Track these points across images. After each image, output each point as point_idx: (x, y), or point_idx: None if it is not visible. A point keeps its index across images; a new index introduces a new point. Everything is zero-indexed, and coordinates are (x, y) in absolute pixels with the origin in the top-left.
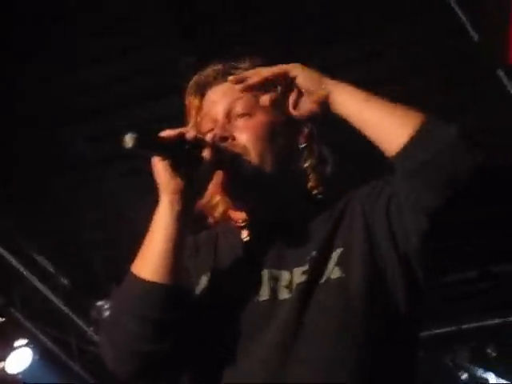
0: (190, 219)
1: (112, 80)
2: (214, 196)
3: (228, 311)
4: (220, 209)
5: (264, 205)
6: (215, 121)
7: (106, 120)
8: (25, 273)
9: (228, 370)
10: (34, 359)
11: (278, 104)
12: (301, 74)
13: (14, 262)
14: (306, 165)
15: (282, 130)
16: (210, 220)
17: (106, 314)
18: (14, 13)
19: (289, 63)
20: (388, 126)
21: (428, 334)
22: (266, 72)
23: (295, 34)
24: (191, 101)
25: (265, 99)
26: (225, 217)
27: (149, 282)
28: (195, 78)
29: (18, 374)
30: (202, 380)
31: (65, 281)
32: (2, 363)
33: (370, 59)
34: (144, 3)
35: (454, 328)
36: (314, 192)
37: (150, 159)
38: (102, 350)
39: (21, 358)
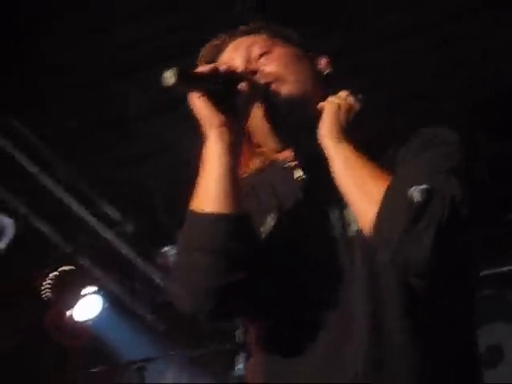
0: (239, 151)
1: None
2: (248, 156)
3: (301, 248)
4: (257, 162)
5: (311, 134)
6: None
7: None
8: (91, 221)
9: (303, 309)
10: (103, 307)
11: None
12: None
13: (79, 209)
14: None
15: (303, 57)
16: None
17: (172, 259)
18: None
19: None
20: (356, 201)
21: (493, 272)
22: None
23: None
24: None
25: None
26: (270, 163)
27: (212, 214)
28: (202, 52)
29: (87, 321)
30: (278, 318)
31: (130, 227)
32: (71, 310)
33: None
34: None
35: None
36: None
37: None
38: (176, 294)
39: (90, 305)
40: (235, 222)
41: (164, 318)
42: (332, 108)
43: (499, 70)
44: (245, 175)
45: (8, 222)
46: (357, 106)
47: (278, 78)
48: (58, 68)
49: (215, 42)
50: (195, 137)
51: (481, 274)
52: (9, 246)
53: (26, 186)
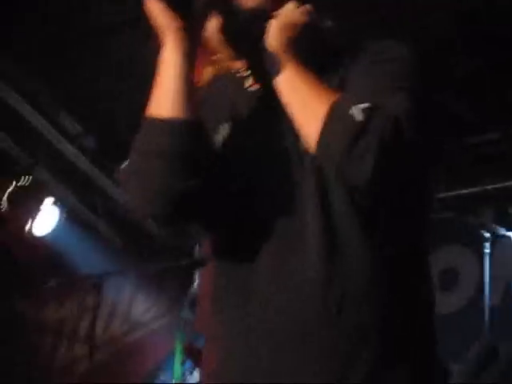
0: (194, 58)
1: None
2: (201, 65)
3: (255, 158)
4: (212, 71)
5: (261, 43)
6: None
7: None
8: (52, 132)
9: (257, 225)
10: (60, 219)
11: None
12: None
13: (40, 122)
14: None
15: None
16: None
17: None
18: None
19: None
20: (301, 121)
21: (453, 195)
22: None
23: None
24: None
25: None
26: (222, 72)
27: (168, 118)
28: None
29: (45, 235)
30: (229, 228)
31: (91, 142)
32: (29, 224)
33: None
34: None
35: (478, 189)
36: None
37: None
38: (130, 196)
39: (48, 218)
40: (190, 127)
41: (122, 233)
42: (277, 23)
43: None
44: (199, 84)
45: None
46: (304, 19)
47: None
48: None
49: None
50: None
51: (440, 196)
52: None
53: None
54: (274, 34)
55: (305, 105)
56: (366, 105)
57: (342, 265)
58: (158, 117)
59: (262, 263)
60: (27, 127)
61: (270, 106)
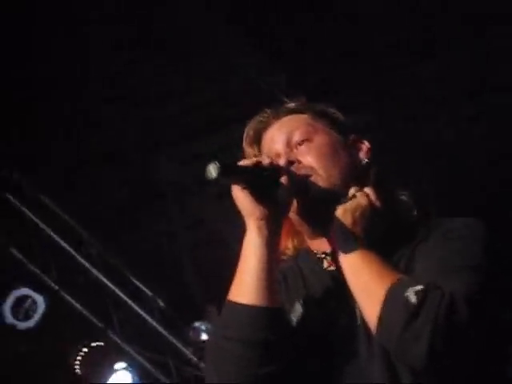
0: (278, 242)
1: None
2: (286, 236)
3: (326, 338)
4: (290, 245)
5: None
6: (278, 155)
7: (194, 145)
8: (122, 296)
9: None
10: (133, 383)
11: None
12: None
13: (111, 285)
14: (369, 178)
15: (342, 148)
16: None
17: (203, 334)
18: None
19: None
20: (362, 304)
21: None
22: None
23: None
24: (249, 151)
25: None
26: (300, 248)
27: (250, 305)
28: (247, 129)
29: None
30: None
31: (161, 303)
32: None
33: None
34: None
35: None
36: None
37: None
38: (208, 377)
39: (121, 381)
40: (270, 315)
41: None
42: (341, 208)
43: None
44: (283, 254)
45: (38, 299)
46: (364, 202)
47: (315, 171)
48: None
49: (260, 117)
50: (228, 217)
51: None
52: (40, 323)
53: (59, 261)
54: (340, 217)
55: (365, 288)
56: (420, 287)
57: None
58: (238, 302)
59: None
60: (100, 291)
61: (342, 284)
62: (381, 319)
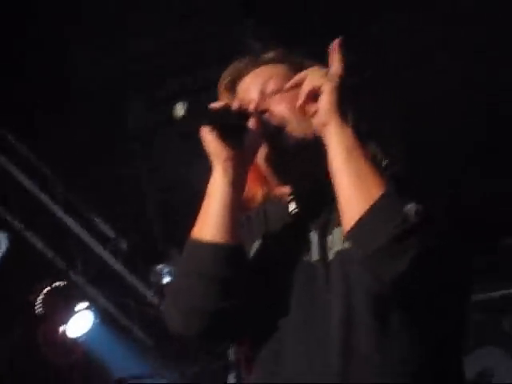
0: (243, 185)
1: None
2: (254, 183)
3: (281, 272)
4: (259, 192)
5: (308, 175)
6: (252, 102)
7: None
8: (85, 237)
9: (285, 327)
10: (94, 322)
11: None
12: (324, 96)
13: (74, 226)
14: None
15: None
16: (253, 205)
17: (165, 277)
18: None
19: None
20: (348, 197)
21: (487, 297)
22: (307, 85)
23: None
24: (224, 97)
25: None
26: (269, 196)
27: (211, 242)
28: (223, 76)
29: (79, 337)
30: (261, 340)
31: (124, 245)
32: (64, 326)
33: None
34: None
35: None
36: None
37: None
38: (168, 314)
39: (82, 321)
40: (231, 252)
41: (155, 335)
42: (333, 83)
43: None
44: (249, 201)
45: (1, 236)
46: (349, 82)
47: (287, 122)
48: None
49: (237, 64)
50: (182, 157)
51: (474, 299)
52: (2, 261)
53: (22, 201)
54: (326, 102)
55: (357, 180)
56: (421, 207)
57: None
58: (201, 240)
59: (294, 368)
60: (63, 231)
61: (303, 224)
62: (367, 218)
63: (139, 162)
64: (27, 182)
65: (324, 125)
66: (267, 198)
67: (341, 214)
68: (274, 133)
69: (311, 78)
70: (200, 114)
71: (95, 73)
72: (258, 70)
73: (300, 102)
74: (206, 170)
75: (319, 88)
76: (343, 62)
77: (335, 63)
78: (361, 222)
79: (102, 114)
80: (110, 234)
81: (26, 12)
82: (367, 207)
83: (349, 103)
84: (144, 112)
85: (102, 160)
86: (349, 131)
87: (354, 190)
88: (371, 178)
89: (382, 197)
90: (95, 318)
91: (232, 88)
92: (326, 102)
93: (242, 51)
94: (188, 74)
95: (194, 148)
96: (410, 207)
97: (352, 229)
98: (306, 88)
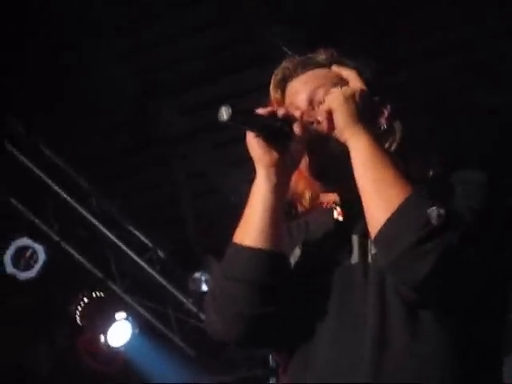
0: (285, 191)
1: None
2: (299, 184)
3: (321, 277)
4: (307, 196)
5: (352, 183)
6: (299, 109)
7: (195, 93)
8: (122, 246)
9: (318, 336)
10: (133, 332)
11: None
12: (334, 115)
13: (111, 236)
14: (386, 145)
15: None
16: (300, 209)
17: (203, 285)
18: None
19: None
20: (371, 203)
21: None
22: (323, 108)
23: None
24: (273, 95)
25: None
26: (314, 203)
27: (253, 248)
28: (275, 73)
29: (119, 346)
30: (294, 348)
31: (161, 253)
32: (103, 336)
33: None
34: None
35: None
36: None
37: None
38: (208, 320)
39: (121, 331)
40: (273, 258)
41: (195, 343)
42: (339, 99)
43: None
44: (293, 196)
45: (39, 249)
46: (364, 88)
47: (331, 131)
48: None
49: (287, 64)
50: (219, 165)
51: None
52: (41, 273)
53: (58, 213)
54: (341, 111)
55: (379, 186)
56: (443, 210)
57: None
58: (243, 245)
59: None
60: (99, 241)
61: (345, 229)
62: (391, 223)
63: (175, 168)
64: (63, 194)
65: (345, 141)
66: (313, 204)
67: (367, 222)
68: (318, 141)
69: (327, 99)
70: (246, 119)
71: (129, 78)
72: (307, 76)
73: (324, 126)
74: (242, 179)
75: (331, 109)
76: (359, 75)
77: (350, 78)
78: (382, 229)
79: (137, 121)
80: (147, 242)
81: None
82: (388, 214)
83: (368, 113)
84: (178, 117)
85: (137, 168)
86: (366, 142)
87: (374, 197)
88: (393, 184)
89: (404, 202)
90: (134, 327)
91: (281, 87)
92: (337, 121)
93: (273, 56)
94: (222, 80)
95: (229, 156)
96: (433, 210)
97: (376, 236)
98: (321, 111)
